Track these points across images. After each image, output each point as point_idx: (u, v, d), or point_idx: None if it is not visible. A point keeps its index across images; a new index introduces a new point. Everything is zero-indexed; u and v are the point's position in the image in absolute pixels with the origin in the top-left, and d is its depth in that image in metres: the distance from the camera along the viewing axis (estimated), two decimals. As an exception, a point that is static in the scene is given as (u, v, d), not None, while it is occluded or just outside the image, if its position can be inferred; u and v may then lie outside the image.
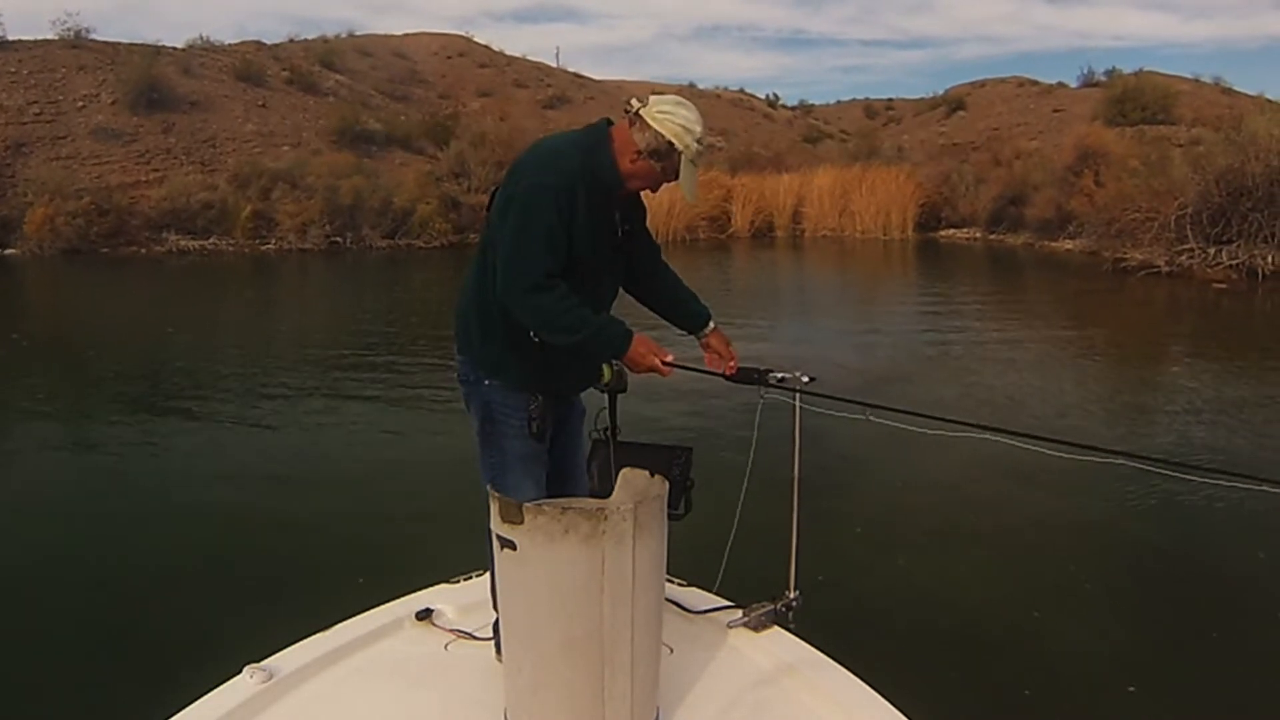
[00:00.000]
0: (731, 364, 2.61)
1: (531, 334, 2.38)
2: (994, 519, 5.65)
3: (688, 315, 2.68)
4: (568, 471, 2.58)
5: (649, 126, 2.33)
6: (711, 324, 2.67)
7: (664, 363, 2.39)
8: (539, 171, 2.34)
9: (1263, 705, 3.67)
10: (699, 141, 2.35)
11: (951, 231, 26.21)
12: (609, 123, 2.44)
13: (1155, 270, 16.53)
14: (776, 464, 2.73)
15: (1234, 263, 16.16)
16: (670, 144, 2.32)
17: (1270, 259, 16.00)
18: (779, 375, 2.61)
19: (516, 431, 2.45)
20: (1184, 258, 16.68)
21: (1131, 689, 3.77)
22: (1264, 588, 4.71)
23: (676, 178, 2.38)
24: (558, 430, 2.57)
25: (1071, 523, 5.60)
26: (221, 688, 2.25)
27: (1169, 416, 8.23)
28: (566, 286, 2.31)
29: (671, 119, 2.33)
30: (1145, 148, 22.92)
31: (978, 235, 25.40)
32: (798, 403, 2.63)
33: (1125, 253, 17.62)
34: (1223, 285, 15.61)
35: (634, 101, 2.39)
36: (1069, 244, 21.60)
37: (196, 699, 2.21)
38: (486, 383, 2.46)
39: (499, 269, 2.35)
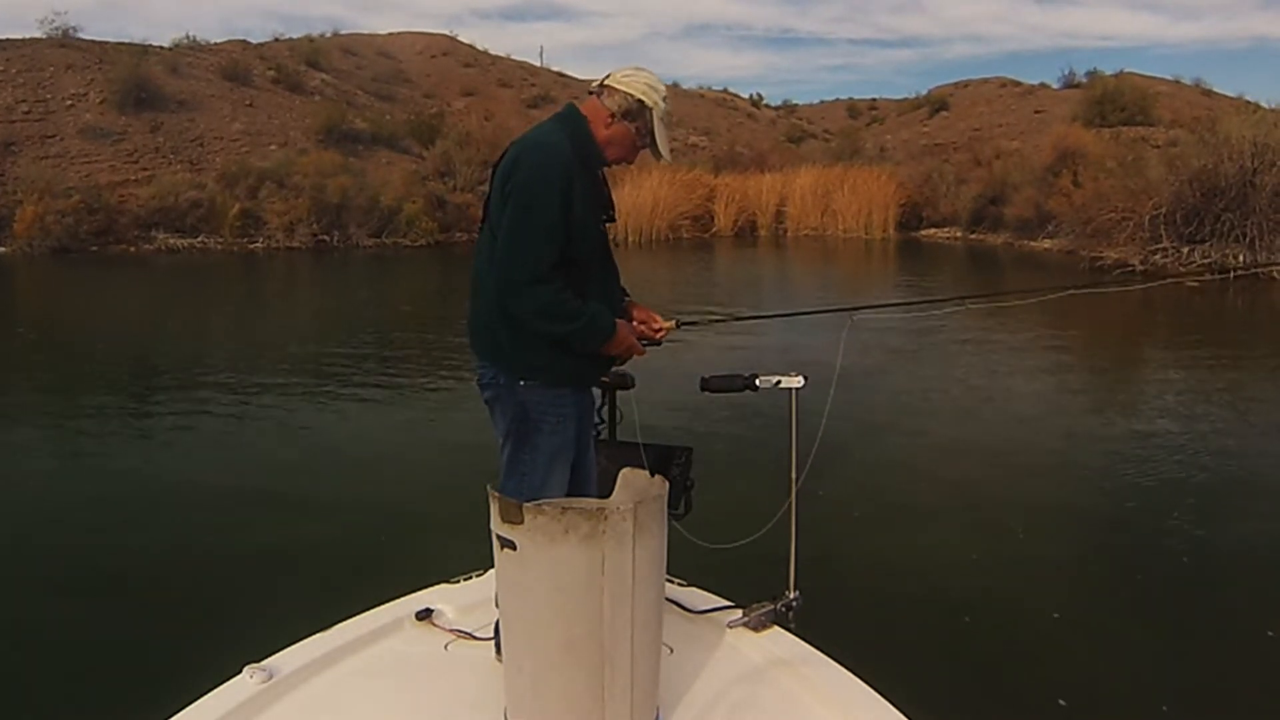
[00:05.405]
0: (656, 325, 2.71)
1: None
2: (995, 513, 5.65)
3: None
4: (578, 463, 2.59)
5: (617, 90, 2.48)
6: (628, 298, 2.77)
7: (641, 342, 2.61)
8: (536, 165, 2.39)
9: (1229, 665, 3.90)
10: (664, 100, 2.51)
11: (932, 231, 26.37)
12: (574, 105, 2.56)
13: (1130, 269, 16.73)
14: (776, 464, 2.77)
15: (1206, 261, 16.40)
16: (640, 101, 2.47)
17: (1241, 258, 16.25)
18: (774, 379, 2.65)
19: (553, 428, 2.48)
20: (1158, 256, 16.91)
21: (1131, 686, 3.80)
22: (1214, 558, 5.03)
23: (651, 139, 2.51)
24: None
25: (1069, 519, 5.63)
26: (221, 688, 2.25)
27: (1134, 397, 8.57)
28: (563, 281, 2.39)
29: (635, 79, 2.49)
30: (1122, 149, 23.14)
31: (958, 235, 25.58)
32: (795, 403, 2.67)
33: (1101, 252, 17.81)
34: (1195, 283, 15.84)
35: (594, 81, 2.53)
36: (1047, 243, 21.80)
37: (196, 699, 2.20)
38: (522, 383, 2.47)
39: (500, 262, 2.39)
